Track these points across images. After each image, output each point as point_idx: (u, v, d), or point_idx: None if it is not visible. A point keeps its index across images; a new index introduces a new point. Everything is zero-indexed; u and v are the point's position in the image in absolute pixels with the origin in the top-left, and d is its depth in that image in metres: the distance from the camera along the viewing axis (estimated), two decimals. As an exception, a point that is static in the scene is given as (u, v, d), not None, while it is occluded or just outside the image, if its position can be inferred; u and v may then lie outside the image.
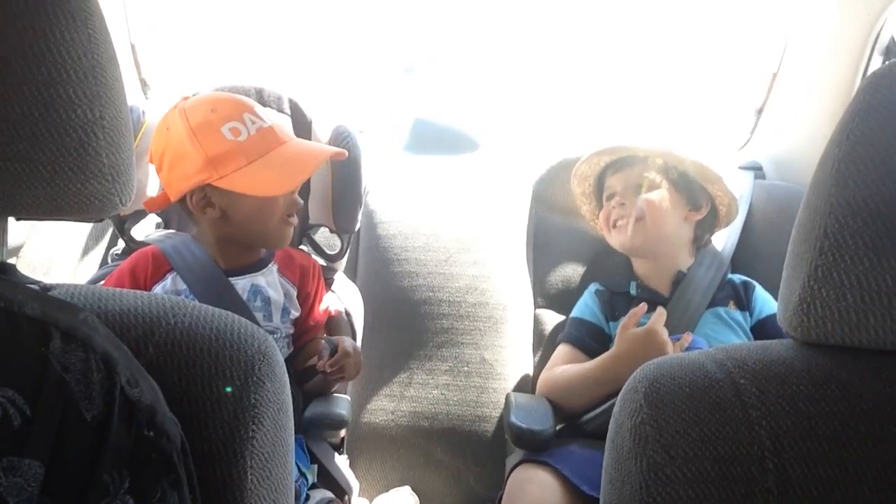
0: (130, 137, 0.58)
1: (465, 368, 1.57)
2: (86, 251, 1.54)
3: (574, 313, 1.43)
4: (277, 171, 1.07)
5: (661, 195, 1.37)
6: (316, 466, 1.18)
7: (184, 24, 2.05)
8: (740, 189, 1.58)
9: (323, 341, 1.13)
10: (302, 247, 1.41)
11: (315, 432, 1.21)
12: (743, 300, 1.35)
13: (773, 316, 1.30)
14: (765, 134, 1.77)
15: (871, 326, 0.55)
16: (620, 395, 0.63)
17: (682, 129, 1.76)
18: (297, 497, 1.06)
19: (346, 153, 1.18)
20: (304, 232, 1.41)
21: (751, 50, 1.89)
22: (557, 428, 1.24)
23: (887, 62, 1.42)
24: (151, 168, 1.17)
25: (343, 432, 1.36)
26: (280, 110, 1.34)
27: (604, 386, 1.21)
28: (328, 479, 1.20)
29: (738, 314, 1.33)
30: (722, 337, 1.29)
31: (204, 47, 2.25)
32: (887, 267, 0.54)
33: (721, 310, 1.33)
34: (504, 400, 1.40)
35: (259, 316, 1.14)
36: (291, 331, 1.20)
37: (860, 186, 0.55)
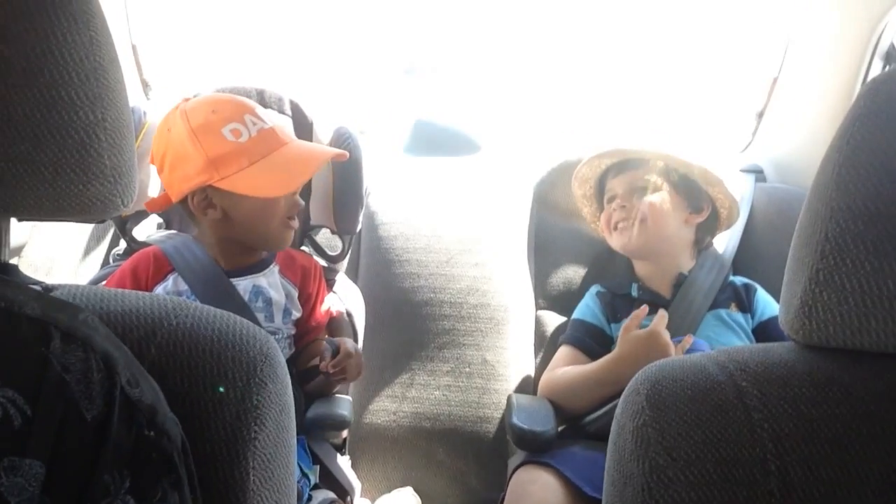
0: (132, 139, 0.58)
1: (467, 369, 1.57)
2: (87, 251, 1.54)
3: (575, 315, 1.43)
4: (278, 173, 1.07)
5: (662, 198, 1.37)
6: (318, 467, 1.18)
7: (185, 25, 2.05)
8: (741, 192, 1.58)
9: (324, 342, 1.13)
10: (303, 248, 1.41)
11: (317, 433, 1.21)
12: (744, 302, 1.36)
13: (775, 318, 1.30)
14: (766, 137, 1.77)
15: (873, 329, 0.55)
16: (622, 396, 0.63)
17: (684, 131, 1.77)
18: (300, 498, 1.06)
19: (348, 154, 1.18)
20: (306, 233, 1.41)
21: (752, 53, 1.89)
22: (559, 429, 1.24)
23: (887, 68, 1.42)
24: (153, 169, 1.17)
25: (345, 433, 1.36)
26: (281, 111, 1.34)
27: (606, 387, 1.21)
28: (330, 480, 1.20)
29: (739, 316, 1.33)
30: (723, 339, 1.29)
31: (205, 48, 2.25)
32: (888, 270, 0.54)
33: (723, 312, 1.34)
34: (506, 401, 1.40)
35: (260, 317, 1.14)
36: (293, 331, 1.21)
37: (861, 190, 0.56)
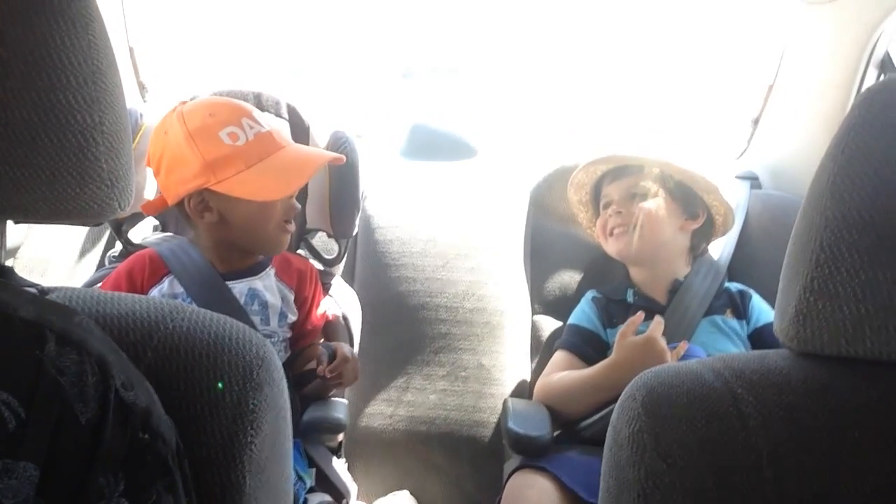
0: (129, 143, 0.58)
1: (463, 374, 1.57)
2: (83, 253, 1.54)
3: (571, 320, 1.43)
4: (275, 176, 1.07)
5: (657, 204, 1.37)
6: (314, 470, 1.18)
7: (183, 28, 2.05)
8: (736, 198, 1.59)
9: (321, 347, 1.13)
10: (299, 251, 1.41)
11: (313, 436, 1.21)
12: (740, 309, 1.36)
13: (770, 325, 1.30)
14: (761, 144, 1.78)
15: (867, 338, 0.55)
16: (618, 402, 0.63)
17: (680, 138, 1.77)
18: (296, 501, 1.06)
19: (344, 158, 1.18)
20: (302, 236, 1.41)
21: (748, 60, 1.90)
22: (555, 434, 1.24)
23: (882, 76, 1.43)
24: (149, 171, 1.17)
25: (341, 436, 1.36)
26: (278, 115, 1.35)
27: (602, 393, 1.22)
28: (326, 483, 1.20)
29: (734, 323, 1.34)
30: (719, 345, 1.29)
31: (202, 51, 2.25)
32: (882, 279, 0.55)
33: (718, 318, 1.34)
34: (502, 405, 1.40)
35: (256, 320, 1.14)
36: (289, 335, 1.20)
37: (855, 199, 0.56)
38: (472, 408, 1.55)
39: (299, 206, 1.18)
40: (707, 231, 1.44)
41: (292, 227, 1.16)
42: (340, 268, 1.47)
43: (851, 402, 0.57)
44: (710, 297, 1.37)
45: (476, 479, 1.54)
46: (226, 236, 1.13)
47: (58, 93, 0.51)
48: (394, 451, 1.55)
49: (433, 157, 1.96)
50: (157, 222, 1.41)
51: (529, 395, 1.46)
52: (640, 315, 1.25)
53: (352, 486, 1.26)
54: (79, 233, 1.53)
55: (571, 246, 1.64)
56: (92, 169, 0.53)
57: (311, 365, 1.16)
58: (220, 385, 0.58)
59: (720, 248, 1.51)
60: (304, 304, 1.24)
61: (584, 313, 1.42)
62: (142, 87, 1.74)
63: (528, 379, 1.56)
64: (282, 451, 0.62)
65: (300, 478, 1.11)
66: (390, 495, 1.54)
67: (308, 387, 1.18)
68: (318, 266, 1.39)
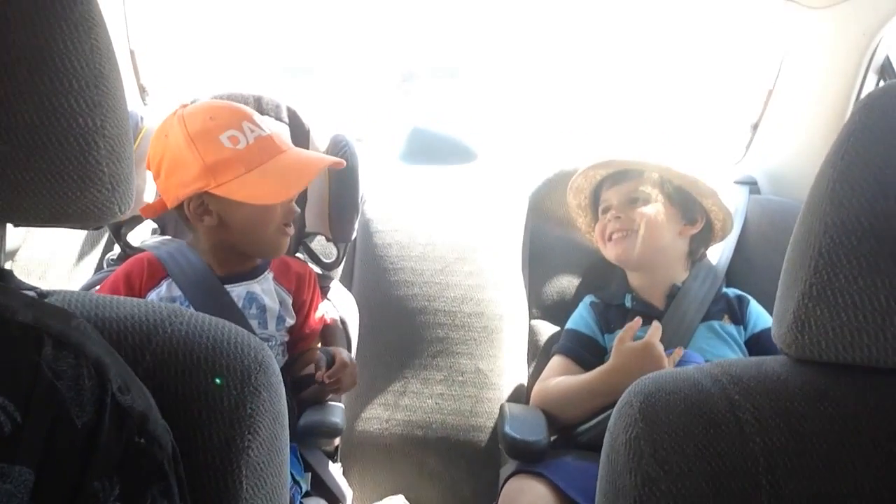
0: (131, 146, 0.58)
1: (460, 378, 1.57)
2: (81, 256, 1.54)
3: (569, 325, 1.43)
4: (276, 180, 1.07)
5: (656, 209, 1.37)
6: (310, 474, 1.18)
7: (183, 31, 2.05)
8: (735, 203, 1.59)
9: (319, 352, 1.13)
10: (298, 255, 1.41)
11: (309, 440, 1.21)
12: (737, 314, 1.36)
13: (768, 330, 1.31)
14: (760, 149, 1.78)
15: (865, 345, 0.56)
16: (616, 408, 0.63)
17: (679, 143, 1.78)
18: (291, 505, 1.05)
19: (345, 163, 1.18)
20: (301, 240, 1.41)
21: (747, 65, 1.90)
22: (551, 439, 1.24)
23: (882, 82, 1.44)
24: (149, 174, 1.17)
25: (337, 440, 1.36)
26: (278, 118, 1.35)
27: (599, 398, 1.22)
28: (322, 488, 1.19)
29: (732, 328, 1.34)
30: (716, 351, 1.30)
31: (203, 54, 2.26)
32: (881, 286, 0.55)
33: (715, 323, 1.34)
34: (498, 410, 1.40)
35: (254, 323, 1.14)
36: (286, 339, 1.20)
37: (855, 206, 0.56)
38: (469, 412, 1.55)
39: (298, 209, 1.18)
40: (706, 236, 1.45)
41: (292, 230, 1.16)
42: (339, 272, 1.47)
43: (849, 408, 0.57)
44: (708, 302, 1.37)
45: (472, 484, 1.54)
46: (225, 240, 1.13)
47: (60, 96, 0.51)
48: (390, 456, 1.55)
49: (432, 160, 1.96)
50: (155, 225, 1.41)
51: (526, 400, 1.46)
52: (638, 321, 1.25)
53: (347, 490, 1.25)
54: (77, 236, 1.52)
55: (570, 250, 1.64)
56: (93, 172, 0.53)
57: (308, 370, 1.16)
58: (217, 380, 0.58)
59: (718, 253, 1.51)
60: (303, 308, 1.24)
61: (581, 318, 1.42)
62: (142, 90, 1.74)
63: (526, 384, 1.56)
64: (279, 456, 0.61)
65: (296, 482, 1.11)
66: (386, 500, 1.54)
67: (305, 391, 1.18)
68: (317, 270, 1.39)
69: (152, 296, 1.12)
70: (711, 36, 2.29)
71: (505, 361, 1.59)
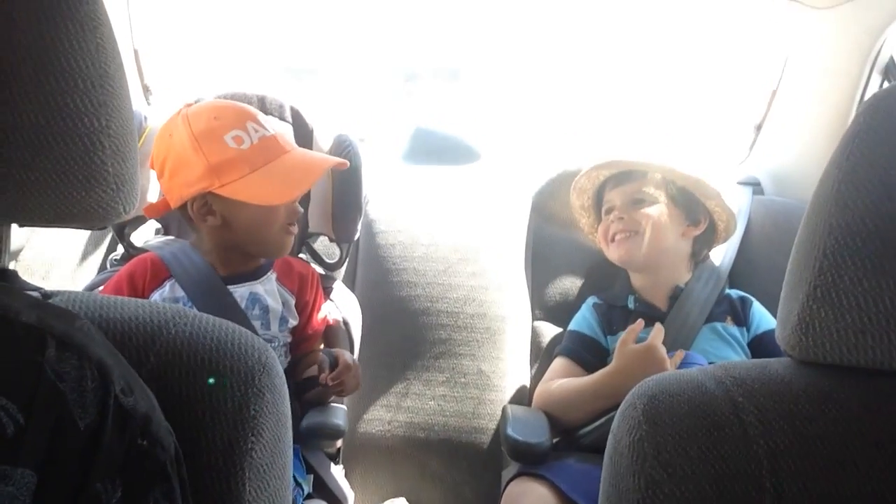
0: (135, 146, 0.58)
1: (463, 380, 1.56)
2: (84, 256, 1.54)
3: (571, 326, 1.43)
4: (280, 181, 1.07)
5: (659, 210, 1.37)
6: (312, 476, 1.18)
7: (187, 30, 2.06)
8: (739, 204, 1.59)
9: (322, 354, 1.12)
10: (301, 255, 1.41)
11: (312, 442, 1.20)
12: (740, 315, 1.36)
13: (771, 332, 1.31)
14: (763, 149, 1.78)
15: (869, 347, 0.55)
16: (619, 411, 0.63)
17: (682, 144, 1.77)
18: (293, 507, 1.05)
19: (348, 163, 1.18)
20: (304, 240, 1.41)
21: (751, 66, 1.90)
22: (554, 441, 1.24)
23: (886, 83, 1.43)
24: (153, 174, 1.17)
25: (339, 442, 1.36)
26: (282, 118, 1.35)
27: (601, 401, 1.21)
28: (324, 490, 1.19)
29: (735, 330, 1.33)
30: (719, 352, 1.29)
31: (206, 54, 2.26)
32: (886, 288, 0.55)
33: (718, 325, 1.34)
34: (501, 412, 1.40)
35: (257, 324, 1.14)
36: (289, 339, 1.20)
37: (860, 207, 0.56)
38: (472, 414, 1.55)
39: (302, 209, 1.18)
40: (709, 237, 1.44)
41: (296, 229, 1.16)
42: (342, 272, 1.47)
43: (853, 410, 0.57)
44: (711, 303, 1.36)
45: (474, 487, 1.53)
46: (228, 240, 1.13)
47: (65, 96, 0.51)
48: (392, 458, 1.55)
49: (435, 161, 1.96)
50: (159, 226, 1.41)
51: (529, 402, 1.46)
52: (641, 323, 1.25)
53: (349, 492, 1.25)
54: (80, 236, 1.53)
55: (573, 251, 1.64)
56: (98, 172, 0.53)
57: (311, 371, 1.16)
58: (210, 380, 0.58)
59: (722, 255, 1.51)
60: (305, 309, 1.24)
61: (584, 319, 1.42)
62: (146, 90, 1.74)
63: (528, 385, 1.56)
64: (282, 458, 0.61)
65: (298, 484, 1.11)
66: (388, 502, 1.54)
67: (309, 393, 1.18)
68: (320, 270, 1.39)
69: (155, 296, 1.12)
70: (715, 36, 2.29)
71: (507, 363, 1.58)
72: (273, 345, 1.16)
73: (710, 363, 1.07)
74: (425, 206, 1.76)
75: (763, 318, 1.35)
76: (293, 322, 1.20)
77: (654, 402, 0.59)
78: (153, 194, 1.26)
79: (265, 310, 1.16)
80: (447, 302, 1.61)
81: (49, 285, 0.61)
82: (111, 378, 0.51)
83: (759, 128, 1.78)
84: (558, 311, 1.59)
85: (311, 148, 1.33)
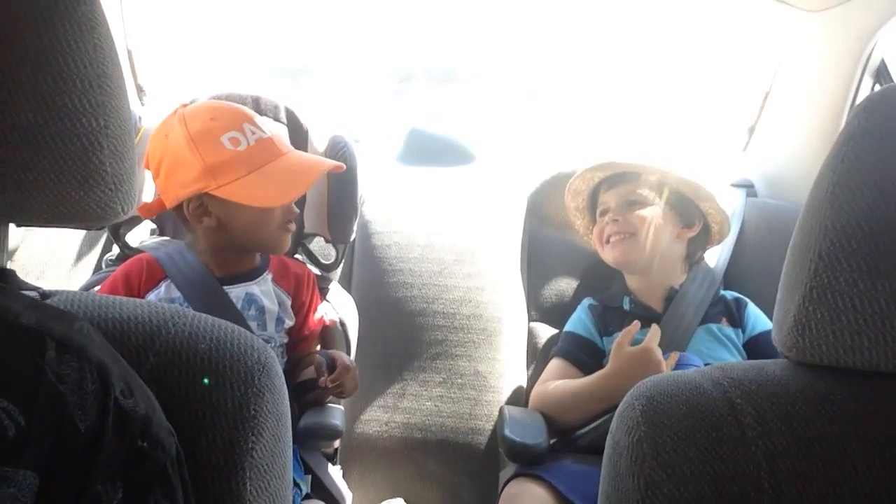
0: (133, 146, 0.58)
1: (459, 380, 1.57)
2: (80, 256, 1.53)
3: (567, 327, 1.43)
4: (276, 183, 1.07)
5: (653, 212, 1.38)
6: (310, 477, 1.18)
7: (181, 30, 2.05)
8: (732, 206, 1.60)
9: (319, 355, 1.12)
10: (297, 256, 1.41)
11: (309, 442, 1.20)
12: (735, 317, 1.36)
13: (766, 333, 1.31)
14: (757, 152, 1.79)
15: (865, 348, 0.56)
16: (617, 412, 0.63)
17: (676, 146, 1.78)
18: (290, 508, 1.05)
19: (345, 166, 1.18)
20: (300, 241, 1.40)
21: (743, 69, 1.91)
22: (551, 442, 1.24)
23: (877, 85, 1.44)
24: (148, 174, 1.17)
25: (337, 443, 1.36)
26: (277, 119, 1.34)
27: (598, 402, 1.22)
28: (322, 490, 1.19)
29: (730, 331, 1.34)
30: (714, 353, 1.30)
31: (200, 54, 2.25)
32: (881, 289, 0.55)
33: (713, 326, 1.34)
34: (498, 413, 1.40)
35: (253, 325, 1.14)
36: (285, 340, 1.20)
37: (854, 209, 0.56)
38: (469, 415, 1.55)
39: (297, 210, 1.18)
40: (703, 239, 1.45)
41: (293, 226, 1.16)
42: (338, 273, 1.47)
43: (850, 411, 0.58)
44: (706, 305, 1.37)
45: (471, 488, 1.53)
46: (224, 240, 1.13)
47: (63, 96, 0.51)
48: (389, 459, 1.55)
49: (431, 162, 1.96)
50: (154, 226, 1.41)
51: (525, 403, 1.46)
52: (636, 324, 1.25)
53: (347, 493, 1.25)
54: (76, 236, 1.52)
55: (568, 253, 1.64)
56: (96, 172, 0.53)
57: (309, 373, 1.16)
58: (205, 380, 0.57)
59: (716, 256, 1.52)
60: (301, 310, 1.23)
61: (580, 321, 1.42)
62: (140, 90, 1.74)
63: (525, 386, 1.56)
64: (282, 458, 0.61)
65: (296, 484, 1.10)
66: (386, 503, 1.54)
67: (307, 395, 1.18)
68: (316, 271, 1.39)
69: (151, 297, 1.11)
70: (708, 39, 2.30)
71: (504, 364, 1.59)
72: (270, 345, 1.15)
73: (705, 364, 1.07)
74: (421, 208, 1.76)
75: (758, 319, 1.35)
76: (289, 323, 1.20)
77: (652, 404, 0.59)
78: (148, 194, 1.26)
79: (261, 310, 1.15)
80: (443, 303, 1.61)
81: (44, 285, 0.61)
82: (111, 380, 0.51)
83: (752, 130, 1.79)
84: (554, 313, 1.59)
85: (305, 149, 1.33)
